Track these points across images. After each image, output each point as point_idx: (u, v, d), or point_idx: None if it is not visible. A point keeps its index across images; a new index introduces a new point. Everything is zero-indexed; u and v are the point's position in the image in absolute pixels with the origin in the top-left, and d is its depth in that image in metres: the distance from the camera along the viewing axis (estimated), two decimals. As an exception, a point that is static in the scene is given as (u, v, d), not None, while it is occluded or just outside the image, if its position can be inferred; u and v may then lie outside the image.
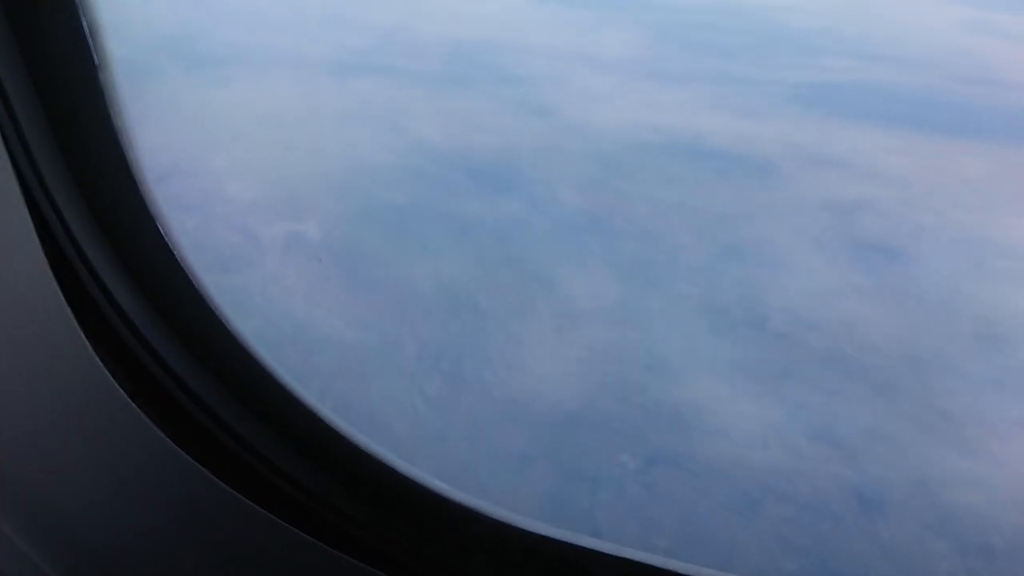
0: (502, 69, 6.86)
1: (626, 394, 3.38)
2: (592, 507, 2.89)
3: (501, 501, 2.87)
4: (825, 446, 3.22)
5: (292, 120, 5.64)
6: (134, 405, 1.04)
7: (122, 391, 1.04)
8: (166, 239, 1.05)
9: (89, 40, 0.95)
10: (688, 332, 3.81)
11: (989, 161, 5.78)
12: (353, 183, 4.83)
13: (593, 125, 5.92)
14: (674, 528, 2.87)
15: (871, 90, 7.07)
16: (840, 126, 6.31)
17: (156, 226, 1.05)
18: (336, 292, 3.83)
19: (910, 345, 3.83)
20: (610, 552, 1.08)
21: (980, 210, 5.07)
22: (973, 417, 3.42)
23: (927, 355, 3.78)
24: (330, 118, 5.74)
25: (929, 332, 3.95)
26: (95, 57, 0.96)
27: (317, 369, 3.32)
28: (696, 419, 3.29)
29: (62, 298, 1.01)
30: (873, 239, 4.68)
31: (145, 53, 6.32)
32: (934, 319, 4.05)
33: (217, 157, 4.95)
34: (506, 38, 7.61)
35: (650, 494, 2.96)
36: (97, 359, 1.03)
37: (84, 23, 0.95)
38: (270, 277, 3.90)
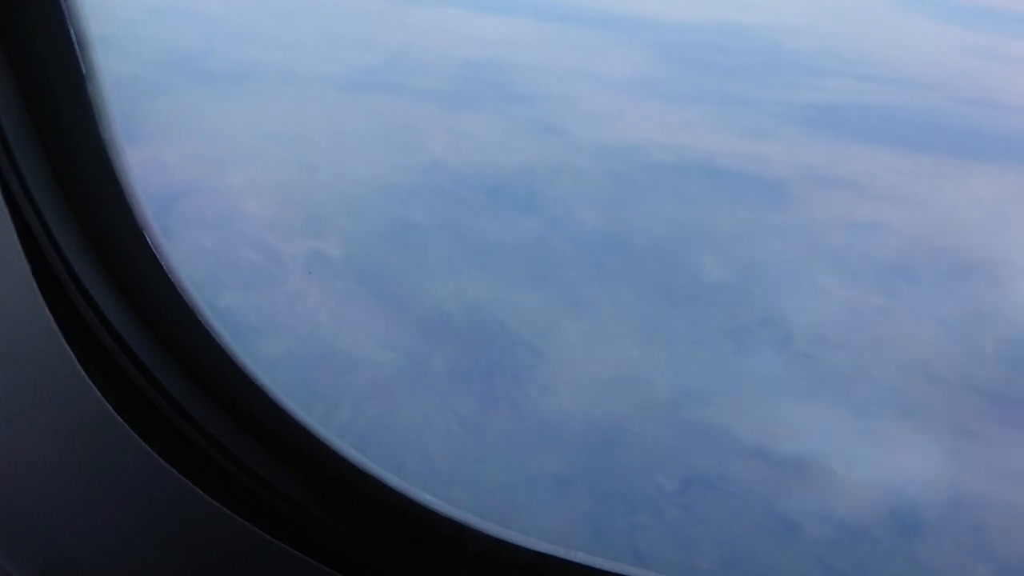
0: (510, 88, 6.87)
1: (657, 415, 3.36)
2: (631, 529, 2.86)
3: (541, 524, 2.84)
4: (859, 467, 3.21)
5: (304, 137, 5.62)
6: (121, 419, 1.03)
7: (109, 405, 1.03)
8: (154, 251, 1.03)
9: (77, 51, 0.95)
10: (715, 352, 3.80)
11: (998, 183, 5.82)
12: (370, 201, 4.81)
13: (605, 144, 5.92)
14: (714, 550, 2.85)
15: (875, 111, 7.12)
16: (847, 147, 6.34)
17: (144, 238, 1.03)
18: (361, 311, 3.80)
19: (935, 365, 3.83)
20: (605, 568, 1.06)
21: (995, 232, 5.09)
22: (1004, 438, 3.42)
23: (952, 375, 3.78)
24: (342, 136, 5.72)
25: (952, 352, 3.95)
26: (83, 68, 0.95)
27: (348, 389, 3.28)
28: (729, 440, 3.27)
29: (47, 311, 0.99)
30: (891, 259, 4.69)
31: (153, 70, 6.29)
32: (956, 340, 4.05)
33: (233, 174, 4.92)
34: (512, 57, 7.62)
35: (688, 516, 2.94)
36: (83, 372, 1.01)
37: (72, 34, 0.94)
38: (294, 295, 3.86)
